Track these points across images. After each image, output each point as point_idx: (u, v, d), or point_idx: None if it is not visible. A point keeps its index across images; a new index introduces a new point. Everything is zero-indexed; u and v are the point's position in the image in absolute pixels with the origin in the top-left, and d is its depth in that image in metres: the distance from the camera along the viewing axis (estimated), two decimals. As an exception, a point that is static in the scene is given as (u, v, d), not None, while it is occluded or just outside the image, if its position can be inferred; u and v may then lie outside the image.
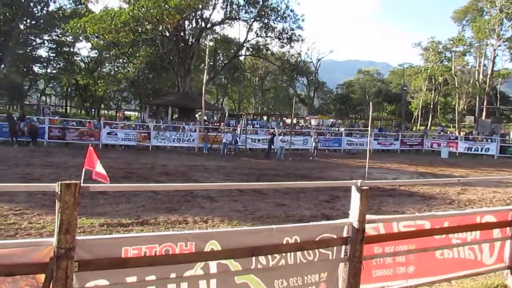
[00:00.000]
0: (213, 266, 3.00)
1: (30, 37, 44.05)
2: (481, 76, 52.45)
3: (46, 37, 46.32)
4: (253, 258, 3.13)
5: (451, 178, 15.14)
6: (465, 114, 58.65)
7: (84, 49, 70.87)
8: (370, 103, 20.51)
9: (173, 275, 2.89)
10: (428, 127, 59.57)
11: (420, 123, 68.82)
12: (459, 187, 13.94)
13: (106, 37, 34.37)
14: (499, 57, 51.57)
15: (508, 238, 4.51)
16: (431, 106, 67.99)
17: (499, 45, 46.73)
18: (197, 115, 42.45)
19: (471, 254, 4.31)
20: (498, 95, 60.42)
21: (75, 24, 31.92)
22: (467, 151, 30.59)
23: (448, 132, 47.36)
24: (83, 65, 53.79)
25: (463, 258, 4.25)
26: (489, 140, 31.85)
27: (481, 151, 30.36)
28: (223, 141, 24.04)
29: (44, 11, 43.94)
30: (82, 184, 2.58)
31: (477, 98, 52.27)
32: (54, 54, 48.91)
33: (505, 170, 21.18)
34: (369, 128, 19.26)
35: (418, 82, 68.24)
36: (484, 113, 49.19)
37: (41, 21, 43.39)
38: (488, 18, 46.72)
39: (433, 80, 65.93)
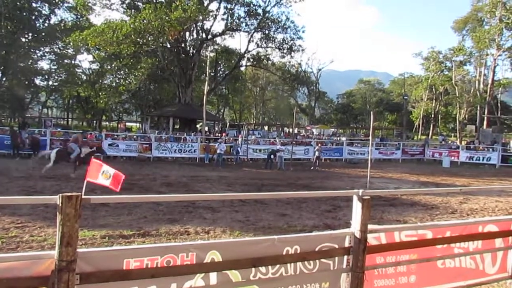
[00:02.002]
0: (213, 276, 3.00)
1: (32, 50, 44.29)
2: (481, 86, 52.53)
3: (47, 49, 46.59)
4: (254, 268, 3.12)
5: (453, 187, 15.11)
6: (466, 123, 58.66)
7: (85, 61, 71.34)
8: (371, 112, 20.54)
9: (173, 286, 2.89)
10: (430, 137, 59.53)
11: (421, 133, 68.76)
12: (461, 196, 13.89)
13: (108, 49, 34.58)
14: (499, 66, 51.77)
15: (510, 247, 4.48)
16: (432, 116, 68.00)
17: (499, 55, 46.92)
18: (198, 126, 42.53)
19: (473, 264, 4.29)
20: (499, 104, 60.43)
21: (76, 37, 32.13)
22: (469, 160, 30.53)
23: (450, 142, 47.32)
24: (85, 77, 53.98)
25: (465, 268, 4.23)
26: (490, 149, 31.80)
27: (483, 160, 30.31)
28: (218, 151, 24.13)
29: (46, 24, 44.28)
30: (83, 196, 2.59)
31: (478, 108, 52.28)
32: (55, 67, 49.15)
33: (507, 179, 21.13)
34: (370, 138, 19.27)
35: (419, 91, 68.33)
36: (485, 123, 49.18)
37: (43, 34, 43.71)
38: (488, 28, 46.97)
39: (433, 89, 66.03)
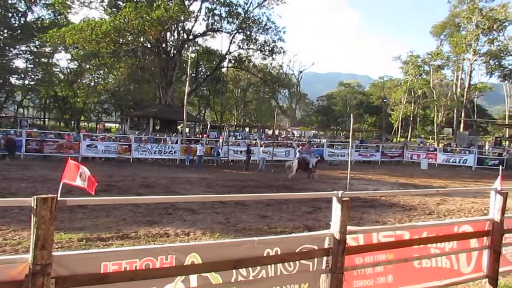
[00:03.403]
0: (193, 279, 2.96)
1: (7, 48, 43.25)
2: (458, 90, 53.64)
3: (23, 47, 45.58)
4: (234, 270, 3.10)
5: (430, 189, 15.37)
6: (443, 126, 59.82)
7: (63, 60, 70.01)
8: (351, 114, 20.75)
9: (152, 289, 2.84)
10: (408, 139, 60.49)
11: (400, 135, 69.84)
12: (439, 197, 14.15)
13: (86, 47, 33.99)
14: (475, 71, 52.98)
15: (485, 247, 4.57)
16: (411, 118, 69.15)
17: (476, 60, 47.96)
18: (179, 127, 42.25)
19: (449, 264, 4.36)
20: (475, 108, 61.85)
21: (54, 34, 31.50)
22: (446, 162, 31.15)
23: (428, 144, 48.21)
24: (62, 77, 53.00)
25: (441, 267, 4.30)
26: (467, 152, 32.50)
27: (459, 162, 30.95)
28: (198, 153, 24.03)
29: (22, 22, 43.35)
30: (59, 198, 2.52)
31: (455, 111, 53.36)
32: (32, 65, 48.10)
33: (482, 181, 21.59)
34: (350, 140, 19.44)
35: (398, 94, 69.40)
36: (462, 126, 50.24)
37: (19, 31, 42.77)
38: (465, 34, 48.02)
39: (412, 92, 67.14)
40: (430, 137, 65.08)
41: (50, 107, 60.75)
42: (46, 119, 60.08)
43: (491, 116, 74.86)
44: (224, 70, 56.11)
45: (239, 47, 42.28)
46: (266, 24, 39.99)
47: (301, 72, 66.39)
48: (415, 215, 11.14)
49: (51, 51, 47.69)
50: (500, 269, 4.62)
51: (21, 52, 45.97)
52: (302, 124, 69.62)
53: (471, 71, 50.17)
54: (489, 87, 63.47)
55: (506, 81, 48.99)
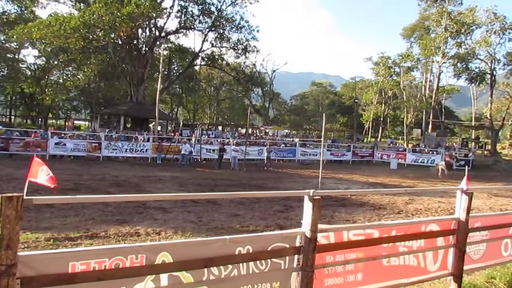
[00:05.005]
0: (164, 278, 2.94)
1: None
2: (427, 91, 54.97)
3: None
4: (205, 269, 3.09)
5: (399, 188, 15.72)
6: (412, 127, 61.23)
7: (30, 56, 67.86)
8: (324, 114, 21.02)
9: (122, 289, 2.80)
10: (379, 139, 61.70)
11: (371, 135, 71.14)
12: (407, 197, 14.51)
13: (55, 42, 33.06)
14: (444, 73, 54.37)
15: (451, 246, 4.71)
16: (381, 119, 70.51)
17: (444, 62, 49.17)
18: (151, 125, 41.71)
19: (416, 262, 4.46)
20: (443, 109, 63.61)
21: (20, 30, 30.54)
22: (414, 162, 31.97)
23: (397, 144, 49.32)
24: (29, 73, 51.42)
25: (409, 265, 4.40)
26: (434, 153, 33.43)
27: (427, 162, 31.79)
28: (182, 152, 23.73)
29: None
30: (25, 197, 2.46)
31: (424, 112, 54.69)
32: (-4, 61, 46.46)
33: (449, 181, 22.23)
34: (322, 139, 19.68)
35: (369, 95, 70.63)
36: (430, 127, 51.54)
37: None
38: (434, 36, 49.15)
39: (383, 93, 68.47)
40: (400, 137, 66.52)
41: (17, 104, 58.91)
42: (12, 116, 58.12)
43: (459, 118, 77.28)
44: (197, 68, 55.80)
45: (212, 45, 42.14)
46: (239, 23, 40.01)
47: (274, 71, 66.65)
48: (385, 214, 11.39)
49: (17, 47, 46.16)
50: (465, 267, 4.75)
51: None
52: (275, 123, 69.86)
53: (439, 73, 51.51)
54: (457, 89, 65.44)
55: (473, 84, 50.50)
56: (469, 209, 4.65)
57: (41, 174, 3.41)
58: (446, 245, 4.70)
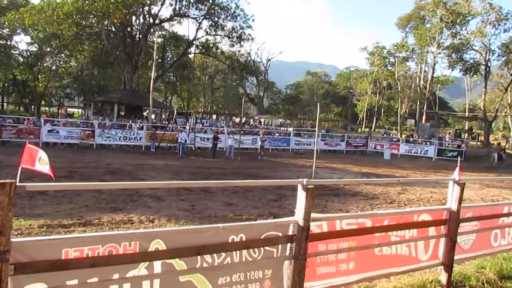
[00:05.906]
0: (157, 265, 2.95)
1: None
2: (421, 82, 55.03)
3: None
4: (199, 257, 3.11)
5: (392, 178, 15.82)
6: (406, 117, 61.48)
7: (22, 42, 67.02)
8: (318, 104, 21.01)
9: (116, 276, 2.81)
10: (372, 129, 61.92)
11: (365, 125, 71.35)
12: (400, 187, 14.61)
13: (47, 28, 32.62)
14: (438, 64, 54.39)
15: (442, 236, 4.77)
16: (376, 109, 70.68)
17: (439, 53, 49.18)
18: (144, 113, 41.51)
19: (408, 251, 4.52)
20: (437, 100, 63.80)
21: (12, 17, 30.12)
22: (408, 153, 32.11)
23: (391, 134, 49.48)
24: (22, 59, 50.83)
25: (400, 255, 4.45)
26: (428, 143, 33.60)
27: (421, 153, 31.97)
28: (179, 140, 23.65)
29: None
30: (18, 184, 2.45)
31: (418, 103, 54.82)
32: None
33: (441, 171, 22.41)
34: (316, 129, 19.69)
35: (363, 85, 70.67)
36: (424, 117, 51.74)
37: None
38: (429, 27, 49.12)
39: (377, 84, 68.55)
40: (394, 128, 66.81)
41: (9, 91, 58.39)
42: (5, 104, 57.60)
43: (452, 109, 77.74)
44: (191, 56, 55.37)
45: (207, 33, 41.84)
46: (234, 11, 39.69)
47: (269, 60, 66.41)
48: (377, 204, 11.47)
49: (10, 33, 45.55)
50: (455, 257, 4.82)
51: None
52: (270, 112, 69.81)
53: (434, 64, 51.52)
54: (451, 80, 65.69)
55: (467, 75, 50.65)
56: (461, 200, 4.70)
57: (39, 162, 3.39)
58: (438, 235, 4.75)
